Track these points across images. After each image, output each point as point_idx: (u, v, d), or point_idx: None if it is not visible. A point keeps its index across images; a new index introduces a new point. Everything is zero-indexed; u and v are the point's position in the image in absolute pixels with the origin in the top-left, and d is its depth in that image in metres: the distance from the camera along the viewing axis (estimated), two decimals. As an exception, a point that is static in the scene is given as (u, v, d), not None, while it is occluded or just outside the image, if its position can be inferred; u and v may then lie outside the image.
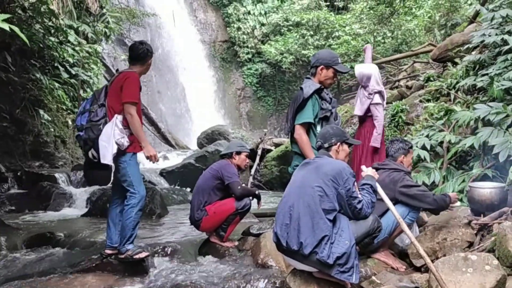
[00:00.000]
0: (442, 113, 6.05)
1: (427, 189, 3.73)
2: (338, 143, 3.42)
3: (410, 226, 3.65)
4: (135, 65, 4.01)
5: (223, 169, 4.56)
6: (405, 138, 4.32)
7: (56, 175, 8.13)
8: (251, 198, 4.60)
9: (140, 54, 4.01)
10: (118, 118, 3.77)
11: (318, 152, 3.48)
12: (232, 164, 4.68)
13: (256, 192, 4.70)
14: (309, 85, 3.93)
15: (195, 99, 19.54)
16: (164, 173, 9.70)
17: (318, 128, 3.96)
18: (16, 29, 2.63)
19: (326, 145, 3.42)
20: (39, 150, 9.29)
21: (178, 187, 9.09)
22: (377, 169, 3.79)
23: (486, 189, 4.03)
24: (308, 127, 3.93)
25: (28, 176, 8.18)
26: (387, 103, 8.40)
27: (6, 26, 2.59)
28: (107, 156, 3.72)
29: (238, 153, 4.75)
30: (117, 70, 4.07)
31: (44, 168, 9.13)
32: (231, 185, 4.48)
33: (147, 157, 3.76)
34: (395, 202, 3.58)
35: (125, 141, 3.75)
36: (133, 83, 3.82)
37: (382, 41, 16.66)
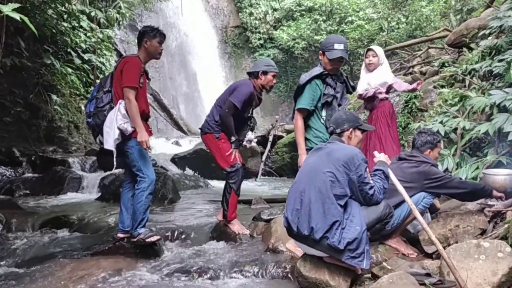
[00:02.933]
0: (456, 99, 5.95)
1: (453, 176, 3.70)
2: (351, 129, 3.39)
3: (422, 212, 3.62)
4: (139, 50, 4.02)
5: (239, 86, 4.42)
6: (433, 131, 4.23)
7: (70, 159, 8.21)
8: (240, 165, 4.45)
9: (138, 37, 4.01)
10: (121, 104, 3.78)
11: (330, 138, 3.46)
12: (252, 86, 4.46)
13: (233, 138, 4.43)
14: (310, 72, 4.00)
15: (206, 85, 19.51)
16: (176, 159, 9.74)
17: (323, 113, 3.99)
18: (26, 19, 2.64)
19: (338, 131, 3.40)
20: (53, 135, 9.39)
21: (191, 173, 9.13)
22: (404, 160, 3.76)
23: (500, 176, 3.97)
24: (310, 113, 3.98)
25: (42, 160, 8.28)
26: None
27: (16, 16, 2.59)
28: (109, 141, 3.75)
29: (265, 72, 4.50)
30: (120, 56, 4.08)
31: (57, 153, 9.24)
32: (227, 102, 4.35)
33: (139, 142, 3.76)
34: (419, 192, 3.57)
35: (129, 127, 3.76)
36: (132, 68, 3.81)
37: (396, 26, 16.39)
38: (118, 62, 4.00)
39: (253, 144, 4.58)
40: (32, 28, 2.79)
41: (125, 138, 3.80)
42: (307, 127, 4.03)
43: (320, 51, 4.04)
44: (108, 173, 7.46)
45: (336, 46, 3.91)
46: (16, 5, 2.84)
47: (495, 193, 3.72)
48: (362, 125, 3.51)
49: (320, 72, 3.96)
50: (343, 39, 4.08)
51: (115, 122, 3.74)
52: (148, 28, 4.02)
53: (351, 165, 3.08)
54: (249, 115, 4.60)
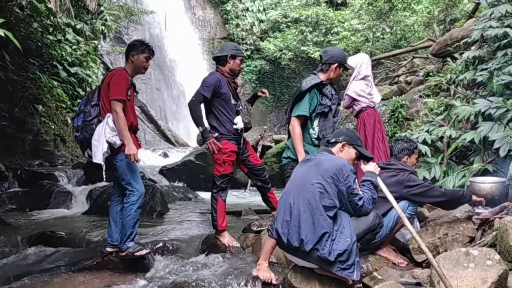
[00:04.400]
0: (442, 108, 6.05)
1: (432, 184, 3.71)
2: (344, 143, 3.40)
3: (410, 221, 3.64)
4: (126, 63, 4.02)
5: (204, 78, 4.40)
6: (411, 138, 4.29)
7: (56, 173, 8.10)
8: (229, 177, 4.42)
9: (126, 50, 4.01)
10: (109, 117, 3.76)
11: (320, 148, 3.48)
12: (220, 73, 4.42)
13: (200, 129, 4.36)
14: (310, 80, 3.97)
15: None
16: (164, 171, 9.68)
17: (315, 122, 3.97)
18: (9, 34, 2.62)
19: (332, 140, 3.43)
20: (39, 148, 9.27)
21: (180, 185, 9.08)
22: (382, 169, 3.78)
23: (487, 184, 4.04)
24: (304, 121, 3.96)
25: (28, 174, 8.15)
26: (386, 98, 8.43)
27: (0, 32, 2.57)
28: (97, 155, 3.71)
29: (233, 57, 4.44)
30: (107, 69, 4.07)
31: (44, 166, 9.11)
32: (195, 92, 4.34)
33: (127, 155, 3.73)
34: (400, 200, 3.58)
35: (117, 140, 3.74)
36: (120, 80, 3.79)
37: (381, 36, 16.59)
38: (105, 75, 3.98)
39: (238, 126, 4.45)
40: (17, 43, 2.77)
41: (113, 151, 3.77)
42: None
43: (336, 63, 4.03)
44: (95, 186, 7.37)
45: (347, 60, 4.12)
46: (0, 20, 2.81)
47: (474, 198, 3.77)
48: (360, 146, 3.49)
49: (319, 81, 3.96)
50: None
51: (103, 136, 3.71)
52: (137, 42, 4.00)
53: (340, 176, 3.09)
54: (235, 102, 4.51)
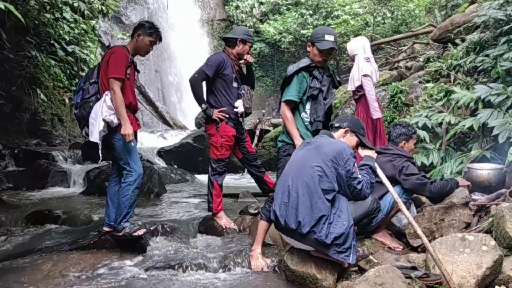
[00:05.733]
0: (441, 94, 6.02)
1: (426, 178, 3.70)
2: (348, 129, 3.40)
3: (407, 206, 3.66)
4: (130, 41, 3.96)
5: (209, 57, 4.43)
6: (409, 123, 4.28)
7: (53, 153, 8.09)
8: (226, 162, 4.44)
9: (134, 28, 3.95)
10: (107, 95, 3.71)
11: (320, 132, 3.47)
12: (225, 55, 4.41)
13: (203, 106, 4.34)
14: (298, 63, 3.90)
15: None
16: (162, 152, 9.68)
17: (307, 106, 3.89)
18: (11, 7, 2.57)
19: (336, 125, 3.43)
20: (36, 128, 9.24)
21: (176, 166, 9.08)
22: (379, 153, 3.77)
23: (484, 171, 4.05)
24: (296, 105, 3.89)
25: (25, 154, 8.14)
26: (386, 83, 8.39)
27: (1, 5, 2.51)
28: (94, 133, 3.67)
29: (243, 41, 4.41)
30: (108, 46, 4.00)
31: (41, 146, 9.10)
32: (198, 69, 4.34)
33: (122, 135, 3.70)
34: (395, 185, 3.58)
35: (115, 119, 3.69)
36: (119, 58, 3.73)
37: (382, 21, 16.46)
38: (105, 52, 3.93)
39: (239, 110, 4.42)
40: (19, 16, 2.73)
41: (111, 130, 3.74)
42: None
43: (309, 42, 3.94)
44: (93, 166, 7.37)
45: (327, 37, 3.84)
46: (-1, -6, 2.76)
47: (462, 181, 3.78)
48: (363, 135, 3.48)
49: (307, 64, 3.88)
50: (333, 30, 4.01)
51: (100, 114, 3.67)
52: (147, 24, 3.92)
53: (340, 159, 3.09)
54: (238, 86, 4.49)
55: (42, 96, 9.16)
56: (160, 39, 3.98)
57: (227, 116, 4.36)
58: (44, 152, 8.14)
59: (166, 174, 7.96)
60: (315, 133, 3.73)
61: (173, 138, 11.70)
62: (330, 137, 3.33)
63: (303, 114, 3.90)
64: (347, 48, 5.21)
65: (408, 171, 3.65)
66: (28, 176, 7.23)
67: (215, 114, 4.32)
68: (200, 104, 4.36)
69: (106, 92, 3.72)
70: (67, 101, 10.11)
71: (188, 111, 18.57)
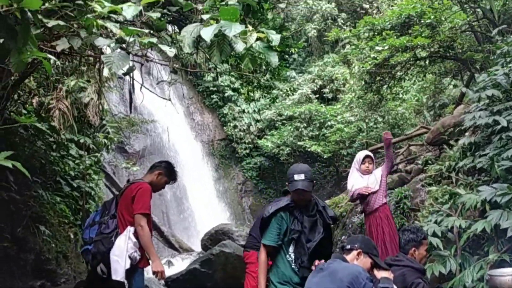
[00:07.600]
0: (446, 197, 6.01)
1: None
2: (360, 250, 3.31)
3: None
4: (150, 175, 4.05)
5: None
6: (418, 227, 4.19)
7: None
8: None
9: (153, 165, 4.07)
10: (131, 231, 3.65)
11: (332, 256, 3.38)
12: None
13: None
14: (277, 203, 3.69)
15: (197, 198, 19.52)
16: (169, 282, 9.34)
17: (290, 249, 3.61)
18: (18, 164, 2.68)
19: (348, 247, 3.34)
20: (41, 268, 8.98)
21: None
22: (390, 265, 3.65)
23: (507, 277, 3.87)
24: (276, 248, 3.62)
25: (29, 299, 7.84)
26: (389, 189, 8.42)
27: (9, 164, 2.63)
28: (119, 271, 3.51)
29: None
30: (128, 181, 4.06)
31: (45, 287, 8.79)
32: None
33: (154, 272, 3.60)
34: None
35: (138, 255, 3.61)
36: (145, 194, 3.78)
37: (375, 126, 17.07)
38: (126, 186, 3.92)
39: None
40: (26, 173, 2.83)
41: (132, 268, 3.61)
42: (273, 264, 3.67)
43: (287, 183, 3.73)
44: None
45: (296, 177, 3.59)
46: (9, 153, 2.90)
47: None
48: (376, 256, 3.38)
49: (285, 204, 3.62)
50: (303, 168, 3.75)
51: (126, 251, 3.54)
52: (169, 166, 4.07)
53: (356, 285, 2.98)
54: None
55: (48, 232, 9.09)
56: (175, 181, 4.08)
57: None
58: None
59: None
60: (303, 279, 3.41)
61: (180, 263, 11.44)
62: (344, 261, 3.25)
63: (287, 257, 3.61)
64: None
65: None
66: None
67: None
68: None
69: (129, 228, 3.65)
70: (72, 236, 10.01)
71: (193, 232, 18.38)
